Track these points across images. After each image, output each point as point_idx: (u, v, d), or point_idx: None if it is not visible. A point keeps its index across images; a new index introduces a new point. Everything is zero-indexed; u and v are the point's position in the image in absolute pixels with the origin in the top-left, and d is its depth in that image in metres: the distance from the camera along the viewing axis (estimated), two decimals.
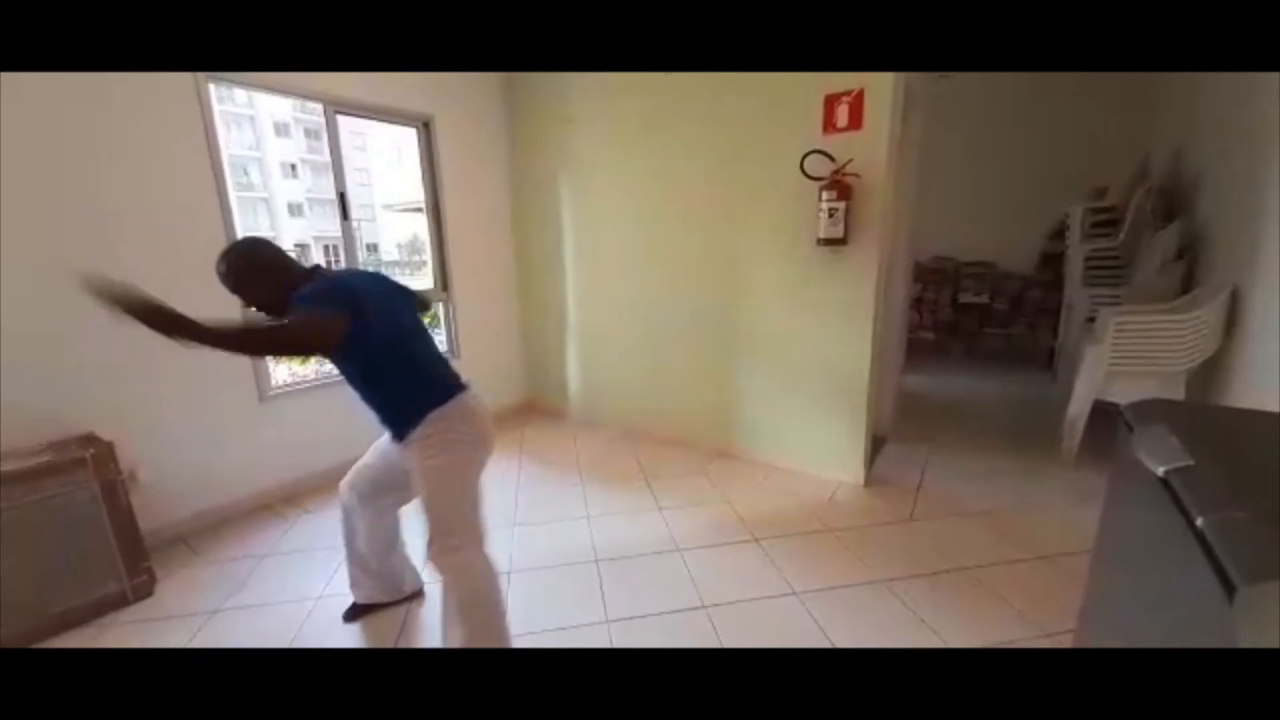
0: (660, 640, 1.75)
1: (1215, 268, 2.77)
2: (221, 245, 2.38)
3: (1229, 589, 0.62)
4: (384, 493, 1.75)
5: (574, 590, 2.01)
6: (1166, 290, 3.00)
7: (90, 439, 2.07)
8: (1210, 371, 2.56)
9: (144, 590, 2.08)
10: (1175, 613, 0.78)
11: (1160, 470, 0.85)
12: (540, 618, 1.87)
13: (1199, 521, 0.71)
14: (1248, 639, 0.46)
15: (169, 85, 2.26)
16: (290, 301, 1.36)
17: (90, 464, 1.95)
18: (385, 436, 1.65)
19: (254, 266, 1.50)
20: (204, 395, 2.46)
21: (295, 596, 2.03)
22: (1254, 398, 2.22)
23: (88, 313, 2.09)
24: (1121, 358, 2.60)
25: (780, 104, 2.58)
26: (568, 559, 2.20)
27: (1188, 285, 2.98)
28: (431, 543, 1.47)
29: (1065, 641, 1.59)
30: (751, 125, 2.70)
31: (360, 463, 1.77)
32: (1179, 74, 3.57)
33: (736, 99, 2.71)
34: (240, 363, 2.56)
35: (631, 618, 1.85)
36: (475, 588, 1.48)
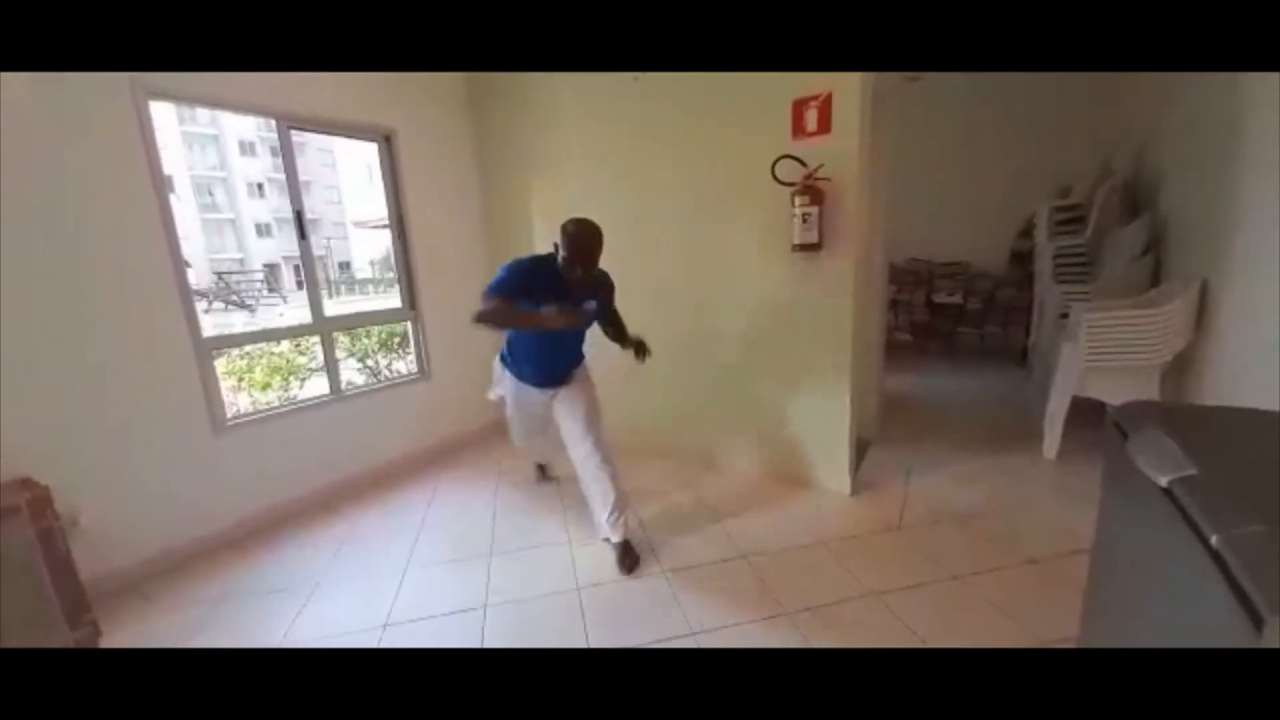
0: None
1: (1182, 262, 2.81)
2: (166, 266, 2.28)
3: (1255, 617, 0.57)
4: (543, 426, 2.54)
5: (554, 621, 1.91)
6: (1135, 285, 3.03)
7: (26, 483, 1.91)
8: (1183, 365, 2.58)
9: (88, 643, 1.92)
10: (1190, 634, 0.73)
11: (1163, 481, 0.80)
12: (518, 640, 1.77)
13: (1214, 540, 0.66)
14: None
15: (102, 97, 2.12)
16: (614, 293, 2.31)
17: (25, 510, 1.80)
18: (517, 398, 2.43)
19: (599, 242, 2.03)
20: (152, 430, 2.31)
21: (253, 642, 1.89)
22: (1227, 389, 2.23)
23: (17, 346, 1.96)
24: (1097, 354, 2.61)
25: (750, 109, 2.55)
26: (552, 588, 2.10)
27: (1155, 280, 3.02)
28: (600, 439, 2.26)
29: (1059, 647, 1.54)
30: (723, 131, 2.66)
31: (524, 429, 2.61)
32: (1141, 73, 3.65)
33: (707, 104, 2.68)
34: (191, 393, 2.41)
35: (616, 646, 1.75)
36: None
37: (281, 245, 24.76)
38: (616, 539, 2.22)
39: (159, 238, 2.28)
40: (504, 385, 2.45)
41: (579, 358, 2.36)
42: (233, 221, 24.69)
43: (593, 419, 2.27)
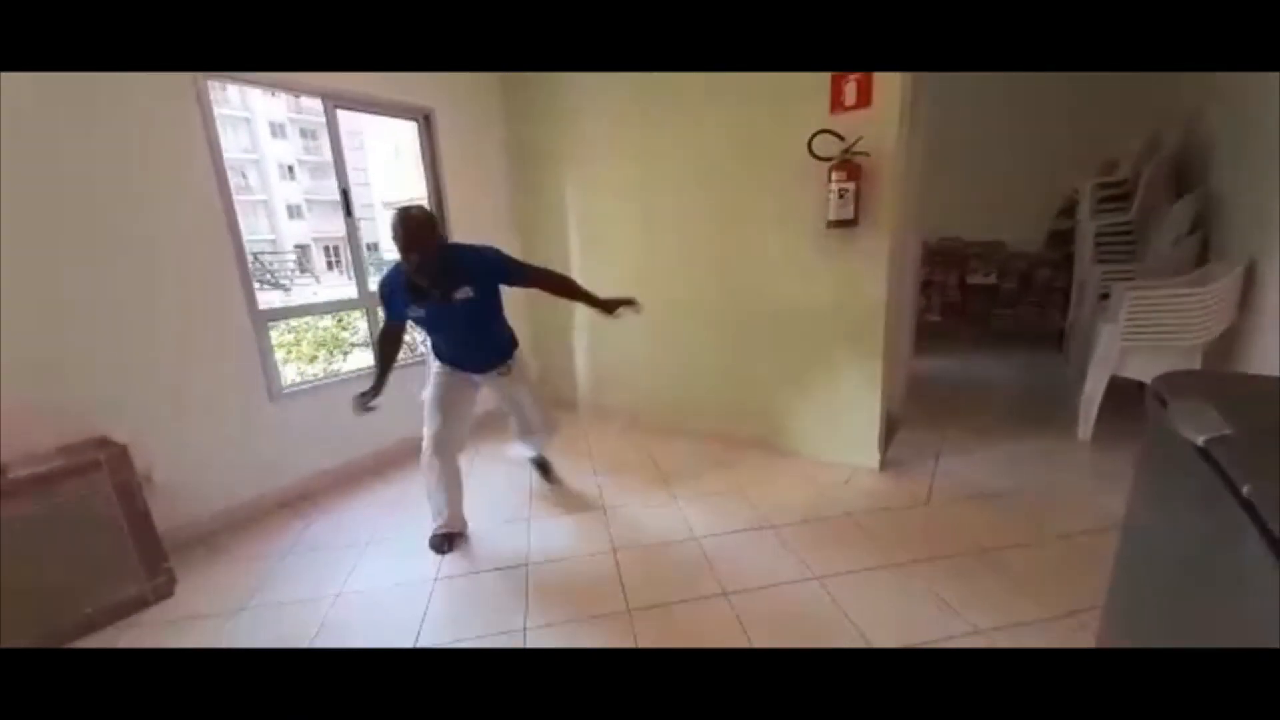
0: (682, 627, 1.74)
1: (1231, 241, 2.73)
2: (226, 242, 2.41)
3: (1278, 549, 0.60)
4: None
5: (592, 579, 2.01)
6: (1181, 264, 2.96)
7: (104, 442, 2.07)
8: (1226, 346, 2.53)
9: (164, 591, 2.09)
10: (1219, 583, 0.77)
11: (1200, 440, 0.83)
12: (560, 610, 1.87)
13: (1245, 490, 0.70)
14: None
15: (167, 85, 2.23)
16: (511, 264, 2.13)
17: (105, 467, 1.96)
18: (447, 381, 2.24)
19: (425, 226, 1.89)
20: (215, 395, 2.46)
21: (316, 594, 2.04)
22: (1269, 370, 2.19)
23: (93, 315, 2.12)
24: (1137, 333, 2.58)
25: (786, 83, 2.54)
26: (587, 550, 2.20)
27: (1202, 259, 2.94)
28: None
29: (1089, 619, 1.57)
30: (758, 106, 2.66)
31: (446, 428, 2.25)
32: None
33: (742, 79, 2.67)
34: (249, 362, 2.56)
35: (652, 606, 1.85)
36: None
37: (313, 226, 25.28)
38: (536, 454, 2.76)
39: (218, 214, 2.41)
40: (431, 374, 2.28)
41: (505, 346, 2.29)
42: (265, 203, 25.28)
43: (537, 405, 2.49)
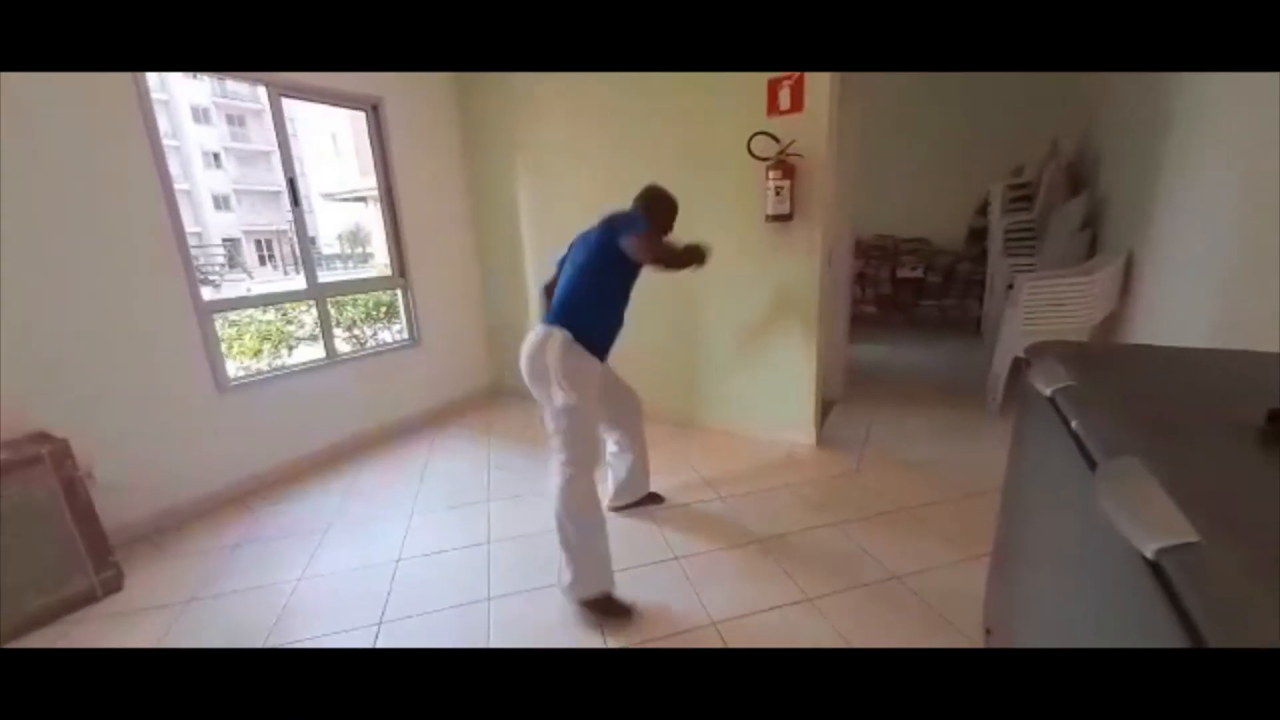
0: (637, 589, 1.88)
1: (1113, 235, 3.12)
2: (167, 231, 2.36)
3: (1091, 465, 0.80)
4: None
5: (549, 554, 2.12)
6: (1075, 257, 3.34)
7: (43, 436, 2.01)
8: (1109, 328, 2.90)
9: (113, 585, 2.06)
10: (1058, 493, 0.97)
11: (1048, 391, 1.04)
12: (524, 579, 1.98)
13: (1072, 424, 0.90)
14: (1107, 505, 0.62)
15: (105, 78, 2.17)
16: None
17: (48, 460, 1.91)
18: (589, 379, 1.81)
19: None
20: (159, 389, 2.41)
21: (273, 580, 2.06)
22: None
23: (26, 306, 2.04)
24: (1034, 318, 2.91)
25: (728, 87, 2.71)
26: (544, 527, 2.30)
27: (1093, 252, 3.33)
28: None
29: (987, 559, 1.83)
30: (703, 107, 2.83)
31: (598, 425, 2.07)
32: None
33: (687, 83, 2.83)
34: (194, 354, 2.51)
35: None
36: None
37: (242, 219, 23.82)
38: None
39: (158, 202, 2.35)
40: (580, 376, 1.75)
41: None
42: (188, 193, 23.60)
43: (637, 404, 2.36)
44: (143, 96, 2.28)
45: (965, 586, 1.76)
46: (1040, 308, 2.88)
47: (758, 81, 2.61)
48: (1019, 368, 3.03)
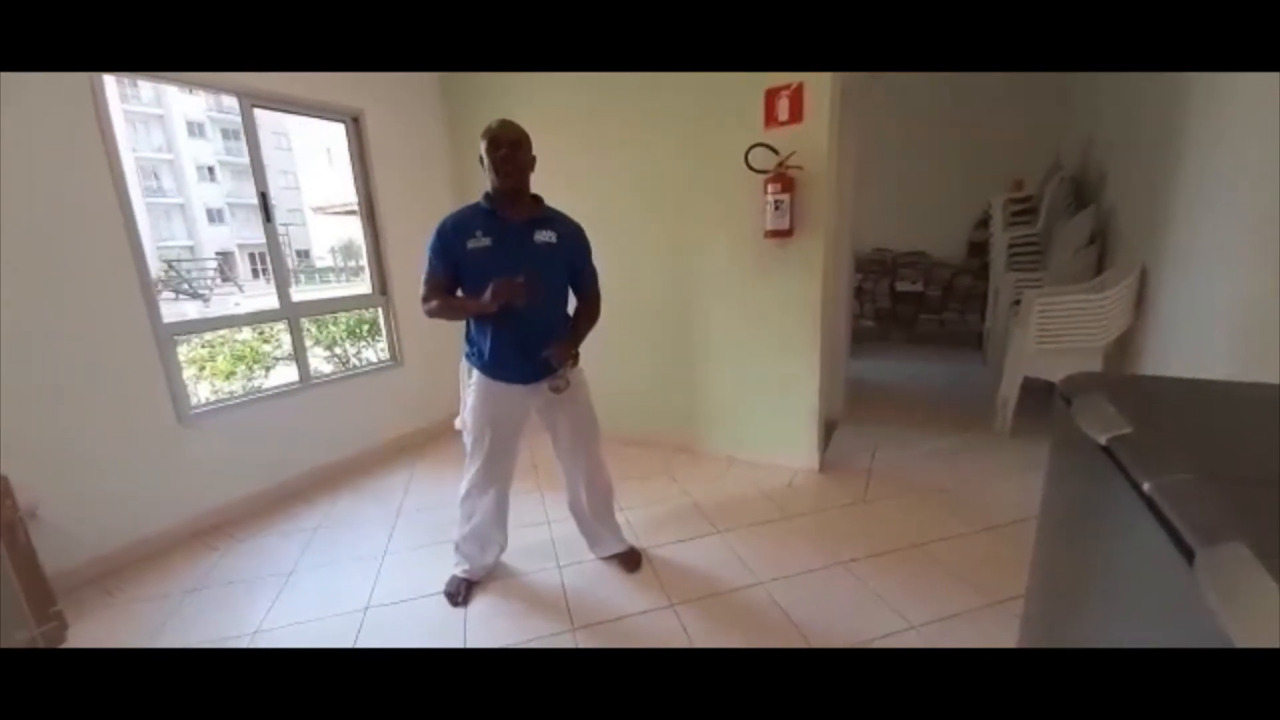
0: (628, 642, 1.71)
1: (1123, 250, 3.00)
2: (124, 249, 2.20)
3: (1187, 553, 0.64)
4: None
5: (536, 595, 1.95)
6: (1082, 272, 3.22)
7: None
8: (1123, 346, 2.76)
9: (54, 637, 1.86)
10: (1128, 577, 0.82)
11: (1102, 439, 0.88)
12: (503, 628, 1.80)
13: (1146, 487, 0.75)
14: (1214, 602, 0.47)
15: (57, 78, 2.02)
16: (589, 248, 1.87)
17: None
18: (496, 405, 1.84)
19: (525, 136, 1.71)
20: (112, 420, 2.23)
21: (224, 634, 1.87)
22: (1162, 368, 2.41)
23: None
24: (1045, 336, 2.78)
25: (724, 98, 2.59)
26: (530, 567, 2.13)
27: (1100, 267, 3.21)
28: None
29: (1014, 607, 1.67)
30: (697, 119, 2.70)
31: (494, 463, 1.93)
32: (1089, 73, 3.84)
33: (681, 92, 2.71)
34: (153, 381, 2.34)
35: (597, 623, 1.80)
36: None
37: (236, 232, 23.69)
38: (624, 549, 2.13)
39: (115, 220, 2.19)
40: (472, 386, 1.86)
41: (566, 333, 1.82)
42: (182, 207, 23.47)
43: (594, 432, 2.00)
44: (99, 104, 2.13)
45: (989, 639, 1.60)
46: (1052, 326, 2.75)
47: (755, 92, 2.49)
48: (1030, 388, 2.89)
